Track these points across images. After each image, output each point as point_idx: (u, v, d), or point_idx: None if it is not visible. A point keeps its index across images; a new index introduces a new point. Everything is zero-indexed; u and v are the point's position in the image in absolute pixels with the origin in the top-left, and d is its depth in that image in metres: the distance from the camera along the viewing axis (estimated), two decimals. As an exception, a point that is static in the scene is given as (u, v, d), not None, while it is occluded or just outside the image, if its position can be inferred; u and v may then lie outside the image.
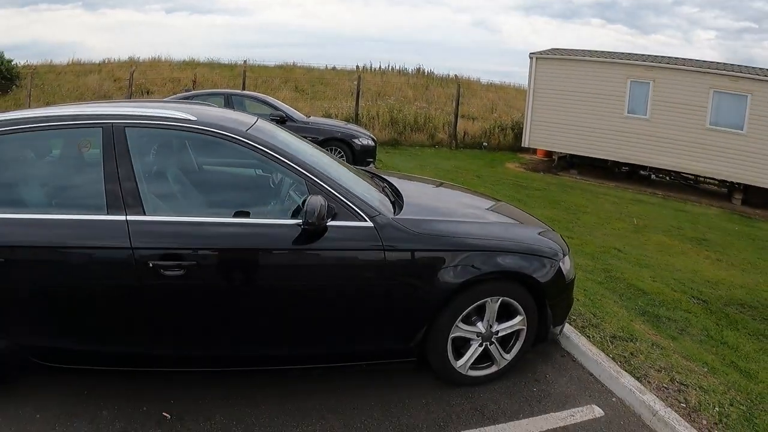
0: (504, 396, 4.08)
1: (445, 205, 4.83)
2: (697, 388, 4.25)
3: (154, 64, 28.89)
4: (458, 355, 4.03)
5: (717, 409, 4.02)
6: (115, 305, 3.41)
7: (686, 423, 3.79)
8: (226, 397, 3.75)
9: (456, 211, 4.63)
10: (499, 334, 4.07)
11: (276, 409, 3.68)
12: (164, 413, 3.54)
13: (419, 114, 22.45)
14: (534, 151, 20.42)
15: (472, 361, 4.05)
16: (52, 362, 3.48)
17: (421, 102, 25.56)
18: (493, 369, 4.17)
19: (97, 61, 28.53)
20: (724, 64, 17.43)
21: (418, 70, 33.10)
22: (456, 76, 28.95)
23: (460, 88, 21.85)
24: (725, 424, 3.87)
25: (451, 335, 3.93)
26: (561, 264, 4.24)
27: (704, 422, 3.86)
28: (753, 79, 15.74)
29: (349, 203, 3.64)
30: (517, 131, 21.12)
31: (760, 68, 16.63)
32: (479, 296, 3.92)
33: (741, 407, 4.11)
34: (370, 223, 3.63)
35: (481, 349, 4.05)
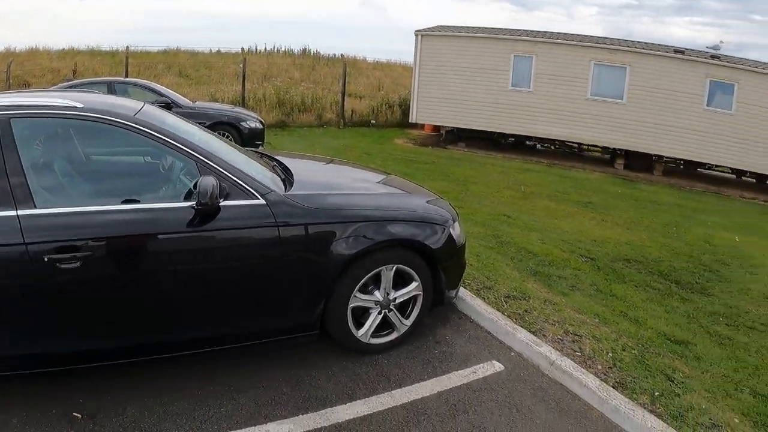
0: (407, 360, 4.10)
1: (335, 180, 4.84)
2: (591, 338, 4.40)
3: (32, 54, 27.05)
4: (359, 324, 4.04)
5: (610, 354, 4.18)
6: (12, 304, 3.14)
7: (583, 369, 3.93)
8: (135, 390, 3.58)
9: (346, 185, 4.65)
10: (397, 301, 4.10)
11: (186, 396, 3.56)
12: (74, 413, 3.34)
13: (306, 95, 22.25)
14: (422, 126, 20.71)
15: (372, 329, 4.07)
16: None
17: (308, 83, 25.34)
18: (394, 335, 4.20)
19: (-30, 54, 26.58)
20: (603, 38, 18.13)
21: (304, 50, 32.93)
22: (342, 55, 28.95)
23: (346, 67, 21.76)
24: (619, 368, 4.03)
25: (350, 305, 3.93)
26: (451, 230, 4.32)
27: (599, 367, 4.01)
28: (631, 51, 16.54)
29: (240, 182, 3.57)
30: (405, 108, 21.27)
31: (638, 41, 17.43)
32: (374, 265, 3.94)
33: (633, 351, 4.30)
34: (262, 201, 3.58)
35: (380, 317, 4.07)
